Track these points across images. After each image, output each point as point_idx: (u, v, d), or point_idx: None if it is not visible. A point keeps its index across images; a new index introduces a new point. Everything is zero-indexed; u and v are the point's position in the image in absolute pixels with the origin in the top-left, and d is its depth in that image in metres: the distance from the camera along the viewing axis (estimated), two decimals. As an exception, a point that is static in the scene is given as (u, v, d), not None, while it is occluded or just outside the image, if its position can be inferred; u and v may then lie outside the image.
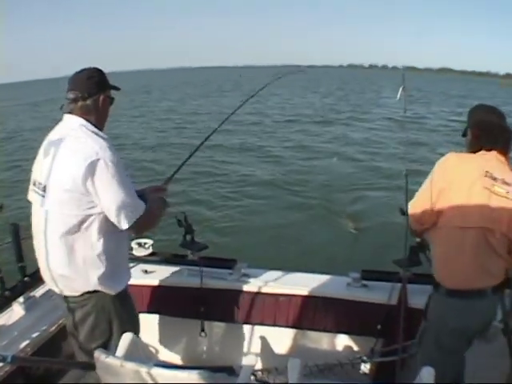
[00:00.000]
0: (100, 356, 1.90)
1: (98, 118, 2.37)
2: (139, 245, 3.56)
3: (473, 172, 2.40)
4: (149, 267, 3.50)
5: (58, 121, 2.39)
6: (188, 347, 3.62)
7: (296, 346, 3.40)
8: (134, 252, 3.54)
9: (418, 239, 3.02)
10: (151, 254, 3.60)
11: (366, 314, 3.15)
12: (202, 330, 3.39)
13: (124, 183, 2.24)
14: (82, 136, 2.25)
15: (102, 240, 2.27)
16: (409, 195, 2.66)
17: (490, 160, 2.42)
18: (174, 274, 3.47)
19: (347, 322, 3.21)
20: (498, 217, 2.33)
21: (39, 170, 2.32)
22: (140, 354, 2.23)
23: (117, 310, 2.43)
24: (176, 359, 3.59)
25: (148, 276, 3.42)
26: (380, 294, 3.13)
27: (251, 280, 3.36)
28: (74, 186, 2.16)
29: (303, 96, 45.79)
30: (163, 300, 3.39)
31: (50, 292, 3.13)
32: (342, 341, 3.36)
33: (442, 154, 2.54)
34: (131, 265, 3.29)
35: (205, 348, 3.59)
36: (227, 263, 3.50)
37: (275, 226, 9.24)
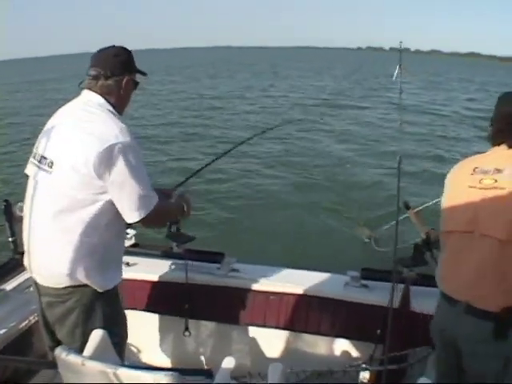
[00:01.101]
0: (61, 354, 1.87)
1: (118, 101, 2.37)
2: None
3: (462, 174, 2.42)
4: (131, 259, 3.46)
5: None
6: (170, 347, 3.60)
7: (286, 350, 3.36)
8: None
9: (423, 236, 2.98)
10: (133, 246, 3.59)
11: (365, 316, 3.11)
12: (186, 329, 3.36)
13: (141, 173, 2.24)
14: (100, 115, 2.24)
15: (102, 229, 2.25)
16: (401, 183, 2.60)
17: (489, 155, 2.40)
18: (157, 267, 3.44)
19: (344, 326, 3.17)
20: (476, 215, 2.26)
21: (45, 143, 2.29)
22: (111, 353, 2.22)
23: (103, 309, 2.37)
24: (156, 359, 3.57)
25: (129, 269, 3.38)
26: (380, 295, 3.06)
27: (240, 276, 3.33)
28: (87, 168, 2.13)
29: (316, 79, 45.78)
30: (145, 295, 3.37)
31: (21, 285, 3.12)
32: (338, 346, 3.32)
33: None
34: None
35: (188, 348, 3.56)
36: (215, 257, 3.47)
37: (268, 218, 9.22)
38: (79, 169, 2.14)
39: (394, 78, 2.71)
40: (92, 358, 1.98)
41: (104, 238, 2.28)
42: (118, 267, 2.51)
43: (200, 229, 7.68)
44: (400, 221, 2.60)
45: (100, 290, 2.33)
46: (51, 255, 2.25)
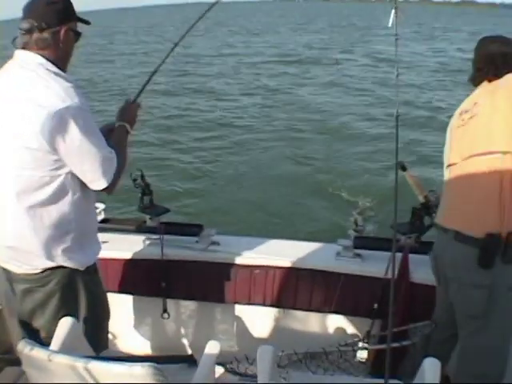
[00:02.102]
0: (24, 348, 1.77)
1: (58, 56, 2.20)
2: None
3: (453, 121, 2.73)
4: (100, 236, 3.33)
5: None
6: (147, 331, 3.55)
7: (274, 329, 3.34)
8: None
9: (421, 200, 2.96)
10: (103, 221, 3.49)
11: (360, 289, 3.08)
12: (164, 311, 3.31)
13: (96, 134, 2.17)
14: (41, 78, 2.09)
15: (71, 204, 2.19)
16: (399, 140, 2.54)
17: (471, 95, 2.69)
18: (129, 243, 3.38)
19: (336, 300, 3.12)
20: (460, 147, 2.59)
21: None
22: (82, 343, 2.17)
23: (86, 287, 2.36)
24: (132, 346, 3.51)
25: None
26: (376, 265, 3.03)
27: (221, 249, 3.28)
28: (38, 142, 2.02)
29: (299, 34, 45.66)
30: (117, 275, 3.29)
31: None
32: (331, 322, 3.29)
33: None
34: None
35: (167, 332, 3.52)
36: (192, 229, 3.41)
37: (249, 184, 9.12)
38: (29, 145, 2.04)
39: (389, 25, 2.59)
40: (60, 351, 1.91)
41: (75, 213, 2.22)
42: (95, 239, 2.51)
43: (174, 200, 7.59)
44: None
45: (81, 268, 2.31)
46: (22, 242, 2.19)
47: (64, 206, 2.17)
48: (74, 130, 2.05)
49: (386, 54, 26.73)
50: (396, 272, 2.91)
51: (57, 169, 2.11)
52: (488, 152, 2.37)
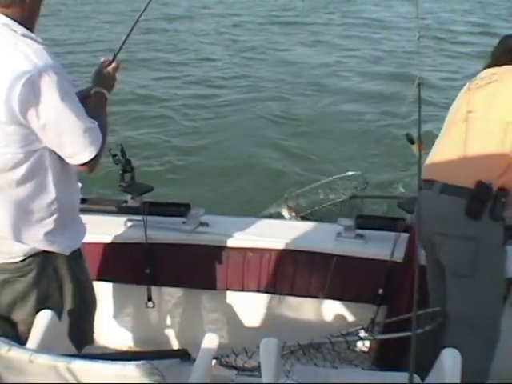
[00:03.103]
0: (0, 348, 1.68)
1: (24, 15, 2.06)
2: None
3: (468, 84, 2.87)
4: None
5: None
6: (130, 322, 3.52)
7: (270, 318, 3.33)
8: None
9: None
10: (80, 201, 3.40)
11: (363, 273, 3.06)
12: (149, 299, 3.26)
13: (75, 102, 2.08)
14: (8, 41, 1.97)
15: (51, 182, 2.14)
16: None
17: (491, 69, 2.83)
18: (109, 225, 3.31)
19: (338, 285, 3.11)
20: (466, 105, 2.72)
21: None
22: (64, 340, 2.18)
23: (72, 273, 2.35)
24: (115, 340, 3.46)
25: None
26: (380, 247, 3.03)
27: (211, 230, 3.24)
28: (7, 115, 1.92)
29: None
30: (96, 261, 3.21)
31: None
32: (332, 310, 3.28)
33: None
34: None
35: (152, 323, 3.49)
36: (179, 209, 3.36)
37: (240, 157, 8.94)
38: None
39: None
40: (39, 349, 1.88)
41: (56, 192, 2.16)
42: (80, 220, 2.48)
43: (158, 177, 7.54)
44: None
45: (66, 253, 2.29)
46: None
47: (44, 184, 2.10)
48: (48, 98, 1.95)
49: (371, 14, 26.57)
50: (403, 253, 2.94)
51: (31, 143, 2.01)
52: (502, 120, 2.53)
